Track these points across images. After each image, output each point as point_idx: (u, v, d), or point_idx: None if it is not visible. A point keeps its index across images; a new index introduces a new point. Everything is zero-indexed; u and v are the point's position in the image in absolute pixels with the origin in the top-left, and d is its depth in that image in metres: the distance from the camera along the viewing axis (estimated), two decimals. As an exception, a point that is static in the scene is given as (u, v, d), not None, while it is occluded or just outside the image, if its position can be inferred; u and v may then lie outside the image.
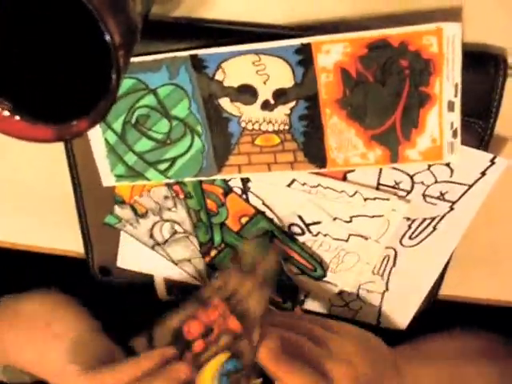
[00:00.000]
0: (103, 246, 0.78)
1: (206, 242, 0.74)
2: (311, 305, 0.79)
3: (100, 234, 0.77)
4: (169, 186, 0.71)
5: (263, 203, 0.71)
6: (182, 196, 0.71)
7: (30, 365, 0.75)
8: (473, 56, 0.61)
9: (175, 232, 0.74)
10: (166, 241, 0.75)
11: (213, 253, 0.75)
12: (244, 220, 0.72)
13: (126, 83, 0.64)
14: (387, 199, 0.68)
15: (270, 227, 0.72)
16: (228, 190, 0.70)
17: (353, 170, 0.67)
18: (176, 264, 0.77)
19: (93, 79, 0.46)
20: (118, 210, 0.73)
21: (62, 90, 0.51)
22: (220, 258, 0.75)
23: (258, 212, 0.71)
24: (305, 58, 0.60)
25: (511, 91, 0.62)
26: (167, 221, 0.73)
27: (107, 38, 0.42)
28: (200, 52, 0.61)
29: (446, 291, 0.78)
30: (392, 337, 0.78)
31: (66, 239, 0.81)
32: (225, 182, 0.69)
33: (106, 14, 0.40)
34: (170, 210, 0.72)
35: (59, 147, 0.71)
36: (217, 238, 0.74)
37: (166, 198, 0.71)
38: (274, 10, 0.62)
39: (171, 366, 0.63)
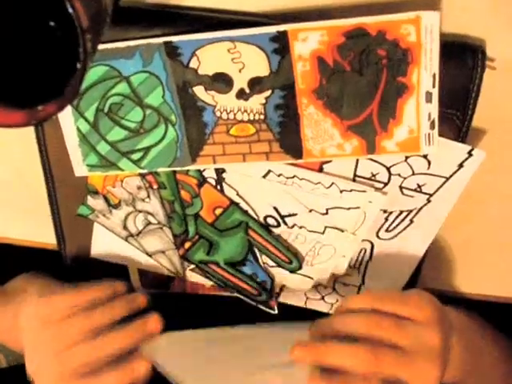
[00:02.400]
0: (76, 236, 0.77)
1: (180, 233, 0.73)
2: (287, 298, 0.78)
3: (73, 224, 0.76)
4: (142, 176, 0.69)
5: (238, 194, 0.70)
6: (155, 186, 0.70)
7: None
8: (452, 47, 0.60)
9: (149, 223, 0.73)
10: (140, 232, 0.74)
11: (187, 245, 0.74)
12: (218, 211, 0.71)
13: (99, 70, 0.63)
14: (364, 191, 0.67)
15: (245, 219, 0.71)
16: (202, 181, 0.69)
17: (329, 161, 0.66)
18: (150, 256, 0.76)
19: (61, 63, 0.45)
20: (90, 200, 0.72)
21: (31, 75, 0.49)
22: (194, 251, 0.74)
23: (233, 203, 0.70)
24: (281, 46, 0.59)
25: (489, 83, 0.62)
26: (140, 211, 0.72)
27: (74, 20, 0.40)
28: (174, 39, 0.60)
29: (422, 284, 0.78)
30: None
31: (38, 230, 0.80)
32: (199, 172, 0.68)
33: (73, -5, 0.39)
34: (143, 200, 0.71)
35: (30, 136, 0.69)
36: (191, 230, 0.72)
37: (139, 188, 0.70)
38: (251, -3, 0.62)
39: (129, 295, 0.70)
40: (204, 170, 0.68)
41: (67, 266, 0.79)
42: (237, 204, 0.70)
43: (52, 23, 0.47)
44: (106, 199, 0.72)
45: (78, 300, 0.67)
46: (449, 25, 0.60)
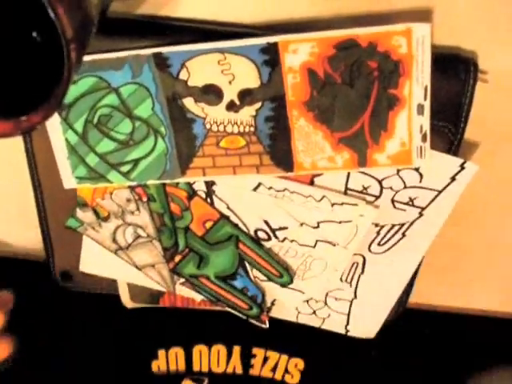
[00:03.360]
0: (65, 249, 0.76)
1: (170, 246, 0.72)
2: (278, 312, 0.77)
3: (61, 237, 0.75)
4: (131, 188, 0.69)
5: (228, 207, 0.69)
6: (144, 199, 0.69)
7: None
8: (443, 59, 0.60)
9: (138, 236, 0.72)
10: (129, 245, 0.73)
11: (177, 258, 0.73)
12: (208, 224, 0.70)
13: (88, 81, 0.62)
14: (355, 204, 0.66)
15: (235, 232, 0.70)
16: (192, 194, 0.68)
17: (320, 174, 0.65)
18: (139, 269, 0.75)
19: (47, 73, 0.44)
20: (79, 212, 0.71)
21: (17, 85, 0.49)
22: (184, 264, 0.73)
23: (223, 216, 0.69)
24: (271, 58, 0.58)
25: (481, 95, 0.61)
26: (130, 224, 0.71)
27: (58, 28, 0.40)
28: (164, 50, 0.59)
29: (415, 299, 0.77)
30: (360, 346, 0.77)
31: (27, 242, 0.79)
32: (189, 185, 0.68)
33: (56, 3, 0.39)
34: (132, 213, 0.70)
35: (19, 147, 0.69)
36: (181, 243, 0.72)
37: (128, 200, 0.69)
38: (241, 8, 0.61)
39: None
40: (194, 182, 0.67)
41: (55, 278, 0.78)
42: (227, 217, 0.69)
43: (35, 34, 0.46)
44: (96, 212, 0.71)
45: None
46: (440, 37, 0.60)
